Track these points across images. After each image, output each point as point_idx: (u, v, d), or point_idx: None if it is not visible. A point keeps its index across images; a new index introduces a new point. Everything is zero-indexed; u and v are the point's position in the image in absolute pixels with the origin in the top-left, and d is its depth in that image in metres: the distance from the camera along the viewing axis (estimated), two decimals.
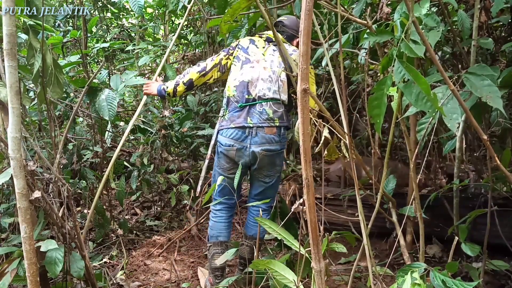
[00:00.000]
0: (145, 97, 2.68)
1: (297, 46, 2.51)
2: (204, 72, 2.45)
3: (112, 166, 2.47)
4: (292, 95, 2.41)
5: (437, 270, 1.41)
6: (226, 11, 2.55)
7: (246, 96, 2.34)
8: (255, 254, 2.50)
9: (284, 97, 2.37)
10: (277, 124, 2.32)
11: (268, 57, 2.40)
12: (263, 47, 2.44)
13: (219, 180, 2.04)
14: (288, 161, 3.86)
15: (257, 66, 2.38)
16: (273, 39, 2.43)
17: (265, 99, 2.33)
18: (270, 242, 3.14)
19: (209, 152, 2.58)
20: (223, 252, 2.40)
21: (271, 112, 2.32)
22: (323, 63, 2.68)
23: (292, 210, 1.44)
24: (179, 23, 5.29)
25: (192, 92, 4.11)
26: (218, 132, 2.44)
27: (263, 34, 2.53)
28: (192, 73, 2.45)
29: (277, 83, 2.36)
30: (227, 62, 2.47)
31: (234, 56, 2.45)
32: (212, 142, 2.53)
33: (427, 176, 3.59)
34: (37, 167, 1.83)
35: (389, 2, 1.70)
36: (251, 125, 2.29)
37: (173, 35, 5.12)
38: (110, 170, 2.46)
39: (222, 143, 2.38)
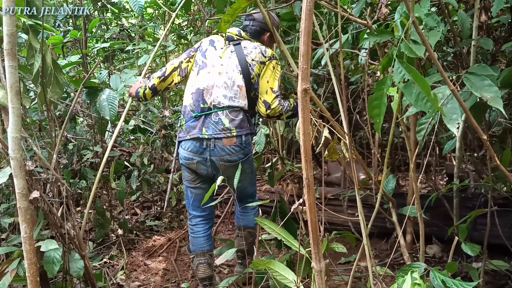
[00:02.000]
0: (130, 99, 2.61)
1: (267, 41, 2.40)
2: (164, 77, 2.38)
3: (103, 165, 2.40)
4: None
5: (437, 270, 1.41)
6: (225, 10, 2.55)
7: (201, 105, 2.23)
8: (248, 243, 2.51)
9: (243, 103, 2.24)
10: (235, 133, 2.19)
11: (225, 61, 2.28)
12: (221, 48, 2.33)
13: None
14: (285, 161, 3.84)
15: (212, 72, 2.27)
16: (234, 38, 2.33)
17: (221, 108, 2.20)
18: (270, 242, 3.13)
19: (173, 165, 2.51)
20: (207, 261, 2.36)
21: (228, 121, 2.20)
22: (323, 63, 2.67)
23: (292, 210, 1.44)
24: (179, 23, 5.30)
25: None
26: (178, 144, 2.36)
27: (227, 32, 2.39)
28: (154, 78, 2.40)
29: (233, 89, 2.23)
30: (188, 66, 2.38)
31: (194, 59, 2.37)
32: (174, 154, 2.46)
33: (427, 176, 3.59)
34: (36, 167, 1.83)
35: (389, 2, 1.70)
36: (207, 137, 2.19)
37: (173, 35, 5.13)
38: (102, 168, 2.41)
39: (182, 156, 2.30)
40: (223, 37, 2.37)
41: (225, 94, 2.22)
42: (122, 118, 2.52)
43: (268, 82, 2.28)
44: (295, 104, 2.34)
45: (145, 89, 2.42)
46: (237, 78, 2.24)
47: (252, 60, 2.27)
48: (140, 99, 2.51)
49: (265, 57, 2.29)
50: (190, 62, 2.38)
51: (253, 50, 2.29)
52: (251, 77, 2.26)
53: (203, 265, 2.36)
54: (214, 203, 2.04)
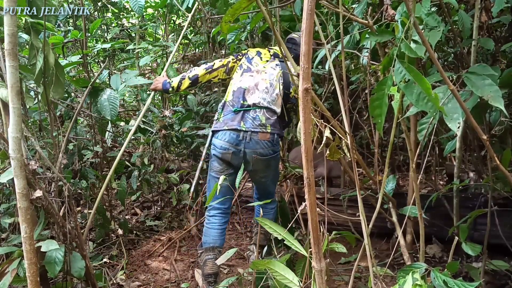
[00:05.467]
0: (152, 94, 2.75)
1: None
2: (211, 69, 2.53)
3: (115, 166, 2.49)
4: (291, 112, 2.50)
5: (438, 270, 1.41)
6: (226, 11, 2.55)
7: (242, 102, 2.41)
8: (268, 238, 2.60)
9: (278, 109, 2.43)
10: (269, 130, 2.38)
11: (268, 70, 2.48)
12: (267, 61, 2.52)
13: (221, 180, 2.04)
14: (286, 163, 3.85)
15: (256, 76, 2.46)
16: (280, 56, 2.52)
17: (259, 107, 2.39)
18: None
19: (204, 152, 2.61)
20: (215, 257, 2.38)
21: (264, 118, 2.39)
22: (326, 66, 2.68)
23: (299, 211, 1.44)
24: (179, 23, 5.30)
25: (192, 92, 4.11)
26: (212, 135, 2.48)
27: (272, 48, 2.62)
28: (198, 69, 2.54)
29: (273, 95, 2.42)
30: (234, 66, 2.57)
31: (240, 63, 2.56)
32: (207, 144, 2.57)
33: (428, 176, 3.59)
34: (38, 166, 1.83)
35: (390, 2, 1.70)
36: (244, 129, 2.35)
37: (173, 35, 5.13)
38: (113, 170, 2.47)
39: (218, 146, 2.41)
40: (269, 52, 2.58)
41: (265, 98, 2.42)
42: (139, 119, 2.66)
43: None
44: None
45: (183, 78, 2.53)
46: (277, 87, 2.44)
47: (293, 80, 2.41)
48: (170, 90, 2.58)
49: None
50: (236, 63, 2.57)
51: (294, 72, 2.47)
52: (290, 91, 2.45)
53: (212, 261, 2.39)
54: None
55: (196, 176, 2.64)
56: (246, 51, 2.63)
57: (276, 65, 2.51)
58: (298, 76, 1.14)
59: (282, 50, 1.82)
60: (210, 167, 2.53)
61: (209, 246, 2.45)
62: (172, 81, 2.56)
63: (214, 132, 2.46)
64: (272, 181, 2.64)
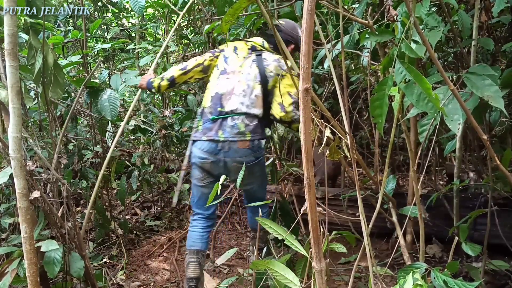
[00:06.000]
0: (139, 91, 2.69)
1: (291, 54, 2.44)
2: (186, 70, 2.44)
3: (106, 164, 2.45)
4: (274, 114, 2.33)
5: (438, 270, 1.41)
6: (226, 10, 2.55)
7: (219, 109, 2.31)
8: (265, 241, 2.62)
9: (258, 111, 2.32)
10: (249, 138, 2.28)
11: (245, 69, 2.35)
12: (244, 57, 2.39)
13: (221, 180, 2.02)
14: (283, 162, 3.85)
15: (232, 78, 2.35)
16: (257, 48, 2.40)
17: (237, 113, 2.29)
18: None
19: (185, 162, 2.54)
20: (198, 261, 2.37)
21: (243, 126, 2.28)
22: (325, 65, 2.67)
23: (302, 211, 1.43)
24: (179, 23, 5.29)
25: (192, 92, 4.11)
26: (192, 143, 2.40)
27: (250, 41, 2.47)
28: (175, 69, 2.46)
29: (251, 97, 2.31)
30: (211, 64, 2.45)
31: (217, 61, 2.43)
32: (187, 152, 2.50)
33: (428, 176, 3.59)
34: (36, 167, 1.83)
35: (392, 3, 1.70)
36: (222, 139, 2.26)
37: (173, 35, 5.13)
38: (104, 168, 2.44)
39: (197, 155, 2.35)
40: (247, 45, 2.43)
41: (243, 102, 2.30)
42: (128, 114, 2.57)
43: (285, 87, 2.31)
44: None
45: (162, 80, 2.47)
46: (255, 88, 2.32)
47: (270, 72, 2.33)
48: (153, 90, 2.54)
49: (283, 70, 2.33)
50: (213, 61, 2.44)
51: (272, 62, 2.35)
52: (268, 88, 2.33)
53: (194, 264, 2.36)
54: (218, 201, 2.05)
55: (179, 186, 2.62)
56: (223, 46, 2.51)
57: (253, 61, 2.36)
58: (298, 76, 1.14)
59: (283, 50, 1.82)
60: (191, 174, 2.49)
61: (192, 249, 2.41)
62: (154, 81, 2.50)
63: (193, 141, 2.39)
64: (260, 186, 2.55)
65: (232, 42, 2.52)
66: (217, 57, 2.45)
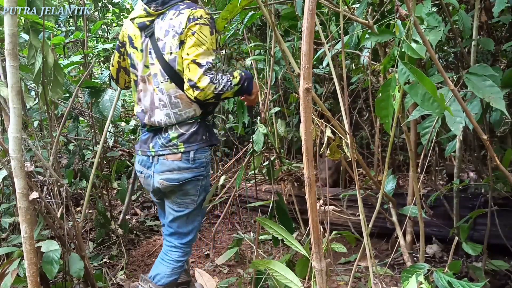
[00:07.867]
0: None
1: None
2: (116, 79, 2.14)
3: (96, 165, 2.44)
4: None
5: (441, 271, 1.41)
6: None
7: (147, 123, 1.98)
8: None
9: (191, 110, 1.90)
10: (182, 150, 1.88)
11: (151, 70, 1.89)
12: (141, 50, 1.89)
13: (221, 180, 1.98)
14: (283, 160, 3.84)
15: (145, 90, 1.94)
16: (146, 23, 1.84)
17: (167, 125, 1.92)
18: (265, 242, 3.12)
19: (133, 175, 2.40)
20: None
21: (176, 135, 1.90)
22: (324, 63, 2.67)
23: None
24: None
25: None
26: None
27: (134, 19, 1.89)
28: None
29: (173, 103, 1.88)
30: (125, 64, 2.05)
31: (125, 64, 2.05)
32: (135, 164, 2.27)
33: (428, 176, 3.59)
34: (35, 167, 1.83)
35: (400, 4, 1.70)
36: (153, 153, 1.94)
37: None
38: (94, 168, 2.44)
39: (136, 168, 2.12)
40: (136, 26, 1.88)
41: (168, 113, 1.89)
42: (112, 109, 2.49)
43: (188, 54, 1.74)
44: (241, 76, 1.85)
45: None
46: (170, 89, 1.86)
47: (169, 52, 1.80)
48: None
49: (179, 28, 1.77)
50: (126, 59, 2.02)
51: (163, 38, 1.81)
52: (175, 68, 1.82)
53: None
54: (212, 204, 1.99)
55: (127, 201, 2.48)
56: (121, 38, 2.00)
57: (150, 52, 1.86)
58: (298, 76, 1.14)
59: (283, 50, 1.82)
60: None
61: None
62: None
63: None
64: (188, 216, 2.02)
65: (123, 30, 1.99)
66: (124, 58, 2.02)
